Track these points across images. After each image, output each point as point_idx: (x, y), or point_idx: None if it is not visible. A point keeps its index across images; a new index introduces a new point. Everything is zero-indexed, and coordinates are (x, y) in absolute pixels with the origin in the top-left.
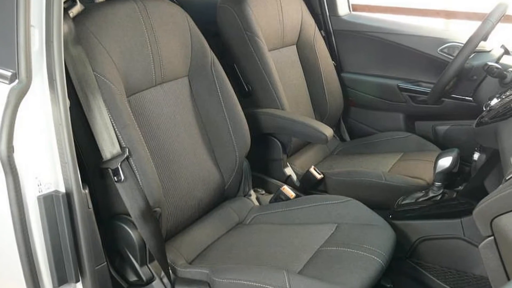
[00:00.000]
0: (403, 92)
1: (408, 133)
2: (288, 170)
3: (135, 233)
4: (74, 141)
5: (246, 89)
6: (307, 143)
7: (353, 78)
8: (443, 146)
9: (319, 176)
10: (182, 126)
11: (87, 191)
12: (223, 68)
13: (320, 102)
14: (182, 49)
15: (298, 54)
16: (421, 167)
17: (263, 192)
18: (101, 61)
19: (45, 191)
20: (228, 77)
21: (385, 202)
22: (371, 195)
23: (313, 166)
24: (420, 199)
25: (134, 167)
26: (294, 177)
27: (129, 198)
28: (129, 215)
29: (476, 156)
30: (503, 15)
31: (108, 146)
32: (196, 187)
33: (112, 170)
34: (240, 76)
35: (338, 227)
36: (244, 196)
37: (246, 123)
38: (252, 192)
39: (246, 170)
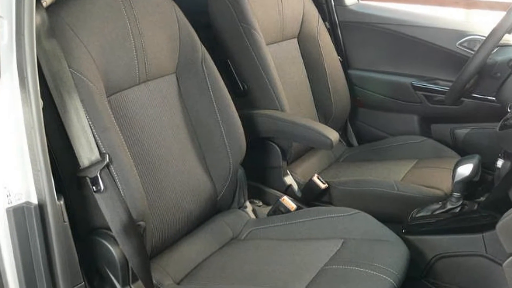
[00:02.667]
0: (417, 91)
1: (423, 137)
2: (289, 179)
3: (117, 249)
4: (48, 147)
5: (241, 87)
6: (309, 148)
7: (361, 76)
8: (463, 152)
9: (323, 186)
10: (169, 129)
11: (62, 202)
12: (216, 64)
13: (324, 102)
14: (169, 42)
15: (300, 49)
16: (437, 176)
17: (260, 203)
18: (78, 56)
19: (15, 202)
20: (221, 74)
21: (397, 214)
22: (382, 207)
23: (316, 175)
24: (437, 212)
25: (115, 175)
26: (295, 186)
27: (109, 211)
28: (110, 230)
29: (499, 163)
30: None
31: (86, 151)
32: (185, 198)
33: (90, 179)
34: (234, 73)
35: (344, 243)
36: (239, 208)
37: (241, 126)
38: (248, 203)
39: (241, 179)
